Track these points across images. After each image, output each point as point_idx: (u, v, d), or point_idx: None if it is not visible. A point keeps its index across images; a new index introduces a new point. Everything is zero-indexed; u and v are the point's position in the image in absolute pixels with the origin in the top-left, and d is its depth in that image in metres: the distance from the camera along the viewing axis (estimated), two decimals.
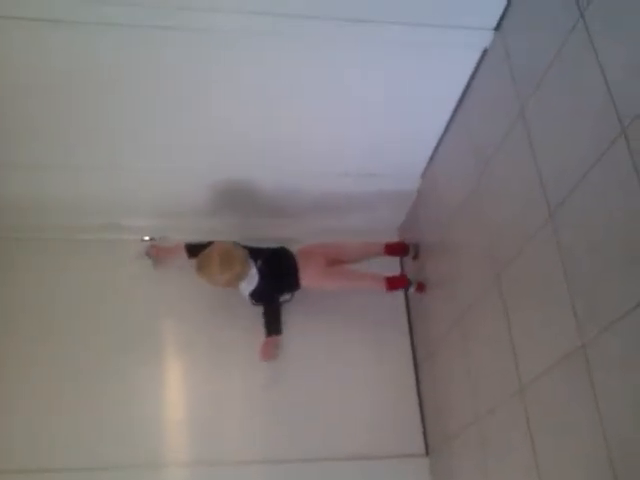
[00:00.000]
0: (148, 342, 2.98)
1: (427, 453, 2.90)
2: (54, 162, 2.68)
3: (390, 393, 3.02)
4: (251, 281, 2.80)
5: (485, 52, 2.21)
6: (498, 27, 2.11)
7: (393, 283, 2.96)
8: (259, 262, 2.81)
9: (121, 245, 3.16)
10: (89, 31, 2.01)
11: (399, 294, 3.22)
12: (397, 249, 3.11)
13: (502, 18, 2.08)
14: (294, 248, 2.96)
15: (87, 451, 2.73)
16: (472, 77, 2.33)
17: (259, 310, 2.94)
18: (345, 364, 3.04)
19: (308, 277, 2.85)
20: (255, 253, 2.83)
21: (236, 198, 3.05)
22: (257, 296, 2.86)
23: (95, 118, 2.43)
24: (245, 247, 2.82)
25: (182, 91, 2.33)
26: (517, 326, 1.99)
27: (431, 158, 2.84)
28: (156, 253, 3.05)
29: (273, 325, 2.91)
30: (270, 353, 2.95)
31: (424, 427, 2.96)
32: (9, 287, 3.01)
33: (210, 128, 2.54)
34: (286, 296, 2.95)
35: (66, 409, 2.79)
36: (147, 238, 3.17)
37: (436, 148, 2.76)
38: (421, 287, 2.95)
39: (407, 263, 3.24)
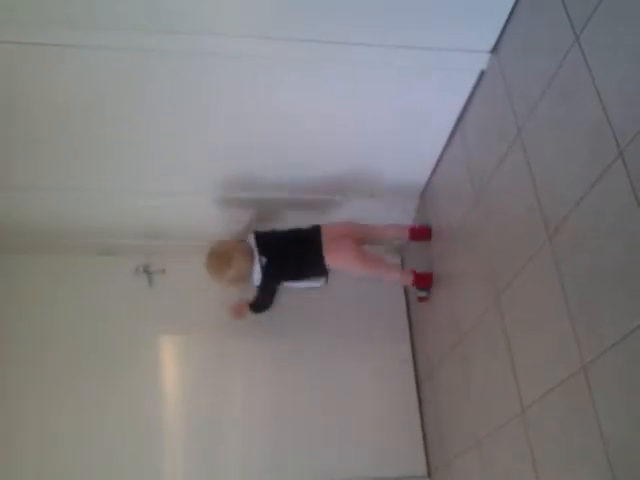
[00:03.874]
0: (144, 361, 2.98)
1: (429, 474, 2.87)
2: (53, 184, 2.69)
3: (392, 414, 3.00)
4: (256, 277, 2.71)
5: (482, 74, 2.23)
6: (494, 49, 2.13)
7: (420, 280, 2.90)
8: (264, 259, 2.69)
9: (118, 263, 3.16)
10: (82, 55, 2.03)
11: (402, 315, 3.22)
12: (422, 233, 2.93)
13: (498, 40, 2.10)
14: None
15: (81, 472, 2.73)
16: (469, 99, 2.35)
17: (261, 325, 2.98)
18: (345, 385, 3.03)
19: (337, 259, 2.74)
20: (268, 245, 2.72)
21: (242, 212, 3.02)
22: (263, 288, 2.79)
23: (93, 140, 2.44)
24: (266, 235, 2.76)
25: (179, 113, 2.34)
26: (517, 347, 1.98)
27: (429, 179, 2.85)
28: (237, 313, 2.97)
29: (260, 307, 2.88)
30: (240, 315, 2.92)
31: (426, 448, 2.94)
32: (6, 306, 3.01)
33: (209, 150, 2.57)
34: (315, 283, 2.83)
35: (63, 426, 2.79)
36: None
37: (434, 169, 2.78)
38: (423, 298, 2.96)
39: (410, 291, 3.24)
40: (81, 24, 1.93)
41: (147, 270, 3.12)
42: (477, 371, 2.33)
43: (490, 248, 2.19)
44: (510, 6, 1.98)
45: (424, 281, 2.90)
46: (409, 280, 2.90)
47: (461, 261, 2.50)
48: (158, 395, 2.94)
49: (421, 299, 2.98)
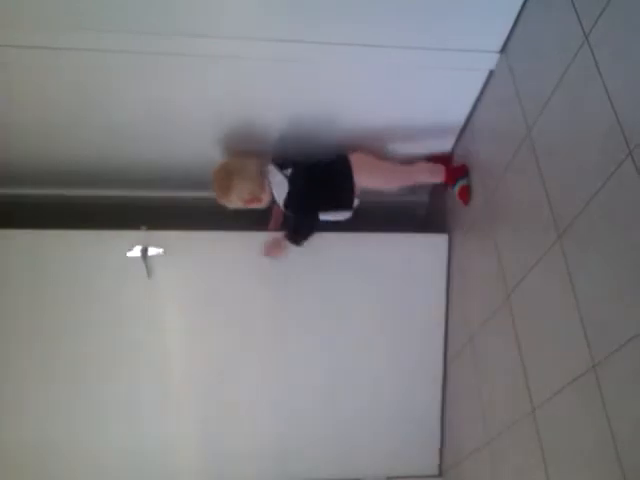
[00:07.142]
0: (147, 345, 2.74)
1: (440, 474, 2.88)
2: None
3: (406, 413, 2.92)
4: (280, 189, 2.44)
5: (491, 74, 2.24)
6: (503, 50, 2.13)
7: (453, 172, 2.59)
8: (290, 170, 2.45)
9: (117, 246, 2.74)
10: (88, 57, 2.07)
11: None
12: (459, 170, 2.57)
13: (507, 41, 2.10)
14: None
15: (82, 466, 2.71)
16: (478, 99, 2.36)
17: (271, 313, 2.74)
18: (360, 382, 2.93)
19: (357, 174, 2.48)
20: (289, 163, 2.49)
21: None
22: (294, 205, 2.47)
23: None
24: (284, 162, 2.49)
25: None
26: (527, 346, 1.99)
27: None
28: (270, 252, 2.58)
29: (299, 236, 2.50)
30: (276, 251, 2.55)
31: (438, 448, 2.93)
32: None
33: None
34: (346, 214, 2.55)
35: (62, 416, 2.70)
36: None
37: None
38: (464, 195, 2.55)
39: None
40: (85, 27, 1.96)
41: (145, 254, 2.66)
42: (487, 370, 2.34)
43: (500, 247, 2.19)
44: (519, 6, 1.98)
45: (457, 170, 2.56)
46: (441, 176, 2.61)
47: (471, 261, 2.50)
48: (161, 386, 2.76)
49: (462, 194, 2.52)
